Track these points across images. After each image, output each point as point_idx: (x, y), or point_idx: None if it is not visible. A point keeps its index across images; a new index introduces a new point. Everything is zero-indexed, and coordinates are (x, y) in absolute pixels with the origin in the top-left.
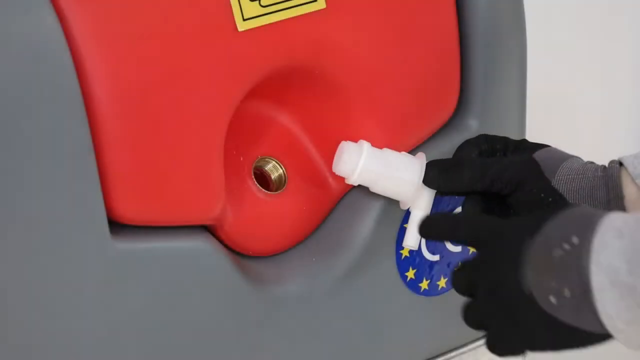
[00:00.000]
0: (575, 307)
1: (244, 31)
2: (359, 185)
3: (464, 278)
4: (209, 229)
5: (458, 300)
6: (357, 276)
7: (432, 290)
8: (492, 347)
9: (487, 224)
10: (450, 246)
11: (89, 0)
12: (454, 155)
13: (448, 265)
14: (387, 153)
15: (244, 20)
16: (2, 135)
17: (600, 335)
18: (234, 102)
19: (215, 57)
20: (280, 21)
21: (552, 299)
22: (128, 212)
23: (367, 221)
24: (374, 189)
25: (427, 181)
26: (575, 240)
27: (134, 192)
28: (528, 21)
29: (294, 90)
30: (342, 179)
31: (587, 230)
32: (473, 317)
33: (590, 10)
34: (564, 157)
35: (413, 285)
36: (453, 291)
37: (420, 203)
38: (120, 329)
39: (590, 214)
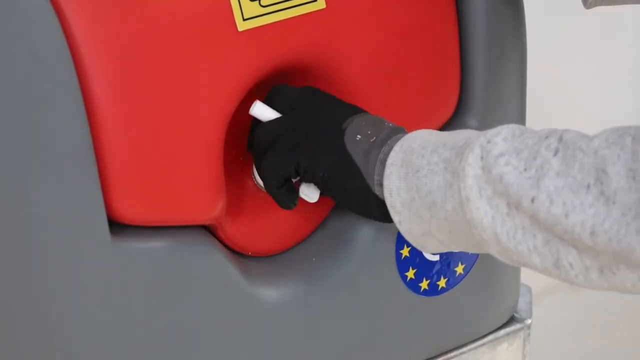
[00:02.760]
0: (367, 150)
1: (244, 31)
2: None
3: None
4: (209, 229)
5: (458, 301)
6: (357, 276)
7: (432, 290)
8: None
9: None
10: None
11: (89, 0)
12: None
13: (448, 266)
14: None
15: (244, 20)
16: (2, 136)
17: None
18: (234, 102)
19: (215, 57)
20: (280, 21)
21: (358, 137)
22: (128, 212)
23: (367, 221)
24: None
25: None
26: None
27: (134, 192)
28: (528, 21)
29: None
30: None
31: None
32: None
33: (590, 10)
34: None
35: (413, 285)
36: (453, 291)
37: None
38: (119, 328)
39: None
